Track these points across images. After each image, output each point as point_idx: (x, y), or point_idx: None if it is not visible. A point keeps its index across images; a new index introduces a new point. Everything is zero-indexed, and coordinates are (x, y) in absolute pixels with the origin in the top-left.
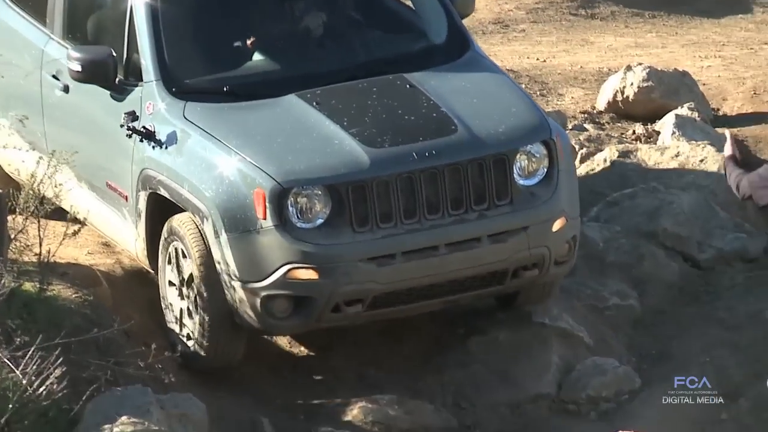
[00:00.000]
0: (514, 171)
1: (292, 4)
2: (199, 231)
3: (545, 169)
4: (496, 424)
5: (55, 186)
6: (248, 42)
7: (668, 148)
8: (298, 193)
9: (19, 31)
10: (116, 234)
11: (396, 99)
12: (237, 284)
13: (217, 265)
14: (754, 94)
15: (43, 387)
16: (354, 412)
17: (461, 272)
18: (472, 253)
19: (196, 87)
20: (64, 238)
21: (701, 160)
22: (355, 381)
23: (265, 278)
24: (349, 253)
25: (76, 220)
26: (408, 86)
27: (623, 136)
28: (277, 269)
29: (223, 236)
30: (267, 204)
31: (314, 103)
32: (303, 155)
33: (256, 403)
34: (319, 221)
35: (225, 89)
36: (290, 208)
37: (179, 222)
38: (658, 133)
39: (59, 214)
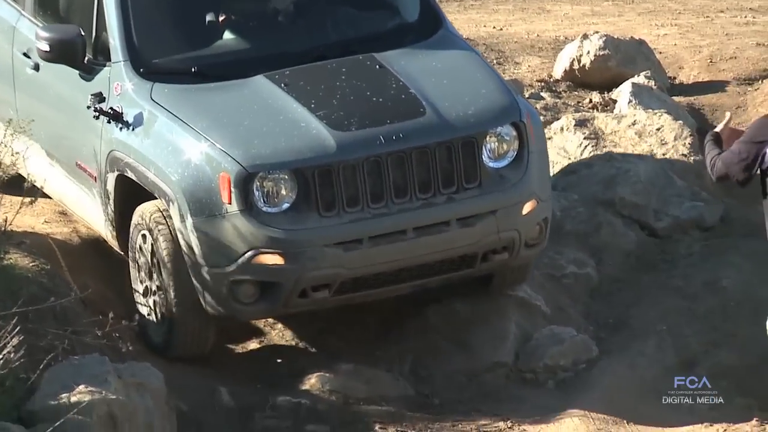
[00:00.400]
0: (484, 153)
1: None
2: (165, 218)
3: (515, 152)
4: (454, 393)
5: (12, 155)
6: (219, 19)
7: (625, 116)
8: (264, 178)
9: None
10: (87, 214)
11: (365, 80)
12: (203, 269)
13: (183, 250)
14: (710, 62)
15: (0, 356)
16: (312, 381)
17: (430, 256)
18: (440, 237)
19: (163, 67)
20: (20, 207)
21: (658, 129)
22: (315, 350)
23: (231, 263)
24: (315, 238)
25: (32, 190)
26: (378, 67)
27: (580, 104)
28: (243, 254)
29: (189, 220)
30: (232, 188)
31: (282, 85)
32: (269, 139)
33: (215, 373)
34: (285, 206)
35: (193, 70)
36: (256, 193)
37: (147, 210)
38: (615, 101)
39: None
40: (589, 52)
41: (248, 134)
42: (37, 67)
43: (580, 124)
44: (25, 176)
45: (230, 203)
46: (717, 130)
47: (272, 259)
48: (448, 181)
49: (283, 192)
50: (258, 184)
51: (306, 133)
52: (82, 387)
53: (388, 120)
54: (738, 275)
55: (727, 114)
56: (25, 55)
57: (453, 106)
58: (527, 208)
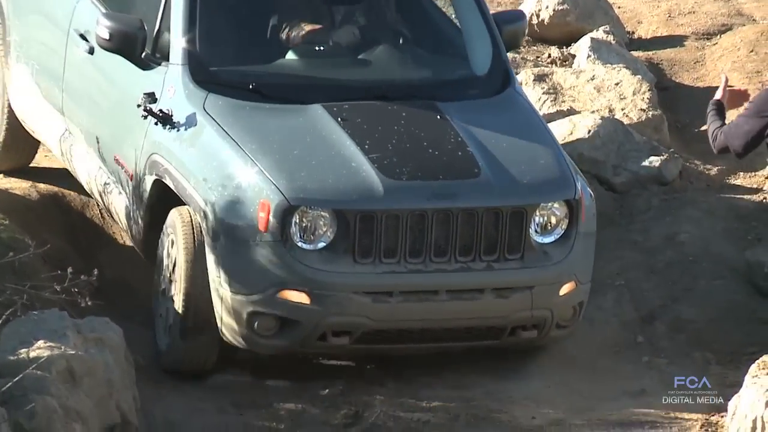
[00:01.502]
0: (531, 226)
1: (338, 8)
2: (193, 229)
3: (563, 230)
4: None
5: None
6: (286, 34)
7: (583, 71)
8: (304, 212)
9: None
10: (115, 208)
11: (424, 129)
12: (225, 293)
13: (209, 269)
14: (669, 17)
15: None
16: None
17: (458, 322)
18: (472, 304)
19: (221, 78)
20: None
21: (617, 84)
22: None
23: (255, 293)
24: (345, 282)
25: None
26: (438, 117)
27: (539, 59)
28: (269, 287)
29: (221, 241)
30: (271, 218)
31: (339, 119)
32: (316, 173)
33: None
34: (321, 244)
35: (251, 87)
36: (294, 226)
37: (177, 214)
38: (574, 56)
39: None
40: (547, 7)
41: (296, 165)
42: (92, 51)
43: (539, 79)
44: (57, 155)
45: (266, 232)
46: (717, 97)
47: (297, 296)
48: (490, 249)
49: (322, 230)
50: (297, 217)
51: (355, 174)
52: (41, 342)
53: (441, 176)
54: (696, 230)
55: (723, 77)
56: (81, 36)
57: (508, 173)
58: (565, 289)
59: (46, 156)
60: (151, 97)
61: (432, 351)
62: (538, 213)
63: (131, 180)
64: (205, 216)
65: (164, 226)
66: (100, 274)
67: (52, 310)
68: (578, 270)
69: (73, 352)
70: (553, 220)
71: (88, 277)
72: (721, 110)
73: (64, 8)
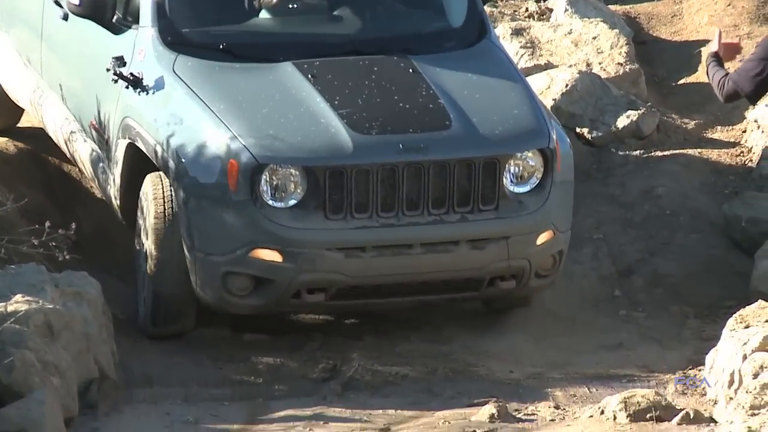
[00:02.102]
0: (505, 176)
1: None
2: (164, 196)
3: (538, 179)
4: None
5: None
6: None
7: (561, 25)
8: (273, 170)
9: None
10: (97, 174)
11: (395, 83)
12: (199, 254)
13: (182, 231)
14: None
15: None
16: None
17: (434, 275)
18: (447, 256)
19: (191, 39)
20: None
21: (594, 38)
22: None
23: (227, 253)
24: (317, 239)
25: None
26: (411, 71)
27: (516, 13)
28: (241, 246)
29: (192, 202)
30: (240, 177)
31: (309, 76)
32: (285, 131)
33: None
34: (292, 202)
35: (221, 46)
36: (263, 185)
37: (149, 181)
38: (551, 10)
39: None
40: None
41: (264, 123)
42: (66, 17)
43: (517, 33)
44: (40, 124)
45: (235, 191)
46: (713, 49)
47: (270, 255)
48: (464, 200)
49: (291, 187)
50: (267, 176)
51: (324, 130)
52: (18, 296)
53: (411, 129)
54: (673, 184)
55: (716, 30)
56: (56, 2)
57: (480, 123)
58: (543, 238)
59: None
60: (120, 61)
61: (411, 305)
62: (512, 163)
63: (107, 145)
64: (176, 178)
65: (140, 193)
66: (78, 229)
67: (29, 264)
68: (556, 219)
69: (51, 306)
70: (528, 169)
71: (66, 231)
72: (720, 61)
73: None
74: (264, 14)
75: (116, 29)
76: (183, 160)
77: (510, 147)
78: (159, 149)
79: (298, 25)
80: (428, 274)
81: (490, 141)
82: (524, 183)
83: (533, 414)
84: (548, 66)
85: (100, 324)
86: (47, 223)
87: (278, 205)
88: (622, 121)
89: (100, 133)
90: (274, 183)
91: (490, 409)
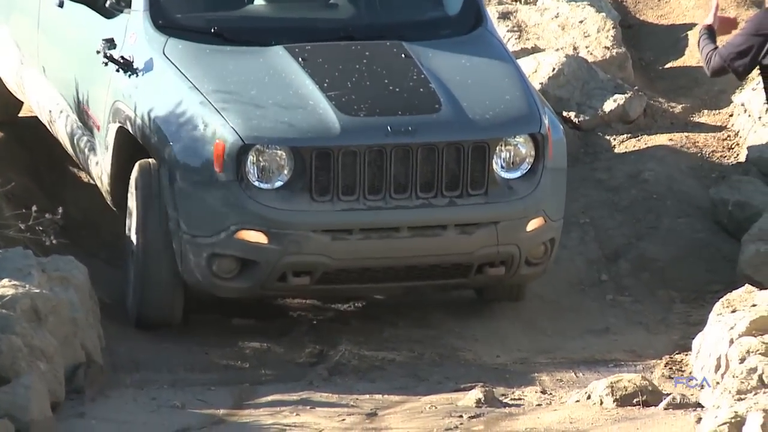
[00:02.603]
0: (495, 161)
1: None
2: (151, 179)
3: (529, 164)
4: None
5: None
6: None
7: (548, 9)
8: (260, 151)
9: None
10: (90, 165)
11: (386, 67)
12: (184, 236)
13: (168, 213)
14: None
15: None
16: None
17: (422, 259)
18: (435, 240)
19: (183, 23)
20: None
21: (581, 21)
22: None
23: (213, 235)
24: (303, 221)
25: None
26: (403, 56)
27: None
28: (226, 228)
29: (177, 184)
30: (225, 157)
31: (299, 59)
32: (272, 112)
33: None
34: (278, 183)
35: (213, 30)
36: (249, 166)
37: (137, 167)
38: None
39: None
40: None
41: (252, 104)
42: (61, 4)
43: (503, 17)
44: (36, 113)
45: (221, 172)
46: (708, 22)
47: (255, 236)
48: (453, 184)
49: (278, 168)
50: (253, 157)
51: (312, 112)
52: (5, 281)
53: (399, 111)
54: (660, 168)
55: (714, 1)
56: None
57: (470, 108)
58: (533, 224)
59: None
60: (110, 43)
61: (399, 291)
62: (503, 148)
63: (99, 131)
64: (163, 160)
65: (131, 179)
66: (65, 213)
67: (16, 248)
68: (547, 206)
69: (38, 291)
70: (519, 155)
71: (53, 215)
72: (712, 34)
73: None
74: (258, 1)
75: (109, 14)
76: (170, 142)
77: (499, 131)
78: (147, 132)
79: (291, 11)
80: (416, 259)
81: (480, 125)
82: (515, 169)
83: (520, 399)
84: (535, 50)
85: (86, 309)
86: (34, 208)
87: (264, 186)
88: (609, 105)
89: (92, 118)
90: (261, 164)
91: (476, 393)
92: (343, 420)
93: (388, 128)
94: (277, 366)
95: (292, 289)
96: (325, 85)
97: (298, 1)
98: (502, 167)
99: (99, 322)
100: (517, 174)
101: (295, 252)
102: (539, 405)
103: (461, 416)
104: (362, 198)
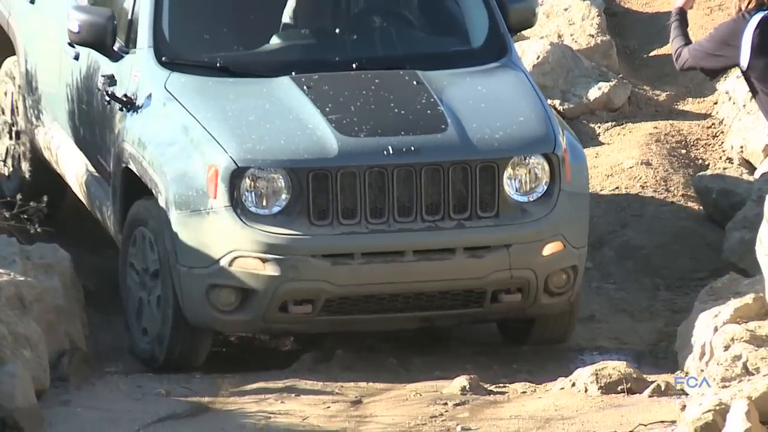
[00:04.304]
0: (508, 183)
1: None
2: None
3: (545, 187)
4: None
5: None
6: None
7: None
8: (255, 176)
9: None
10: (104, 215)
11: (394, 92)
12: (182, 270)
13: (167, 248)
14: None
15: None
16: None
17: (429, 285)
18: (443, 264)
19: (188, 58)
20: None
21: (565, 9)
22: None
23: (210, 265)
24: (301, 245)
25: None
26: (415, 83)
27: None
28: (223, 256)
29: (173, 213)
30: (219, 182)
31: (305, 87)
32: (269, 135)
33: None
34: (276, 209)
35: (218, 64)
36: (245, 190)
37: (144, 204)
38: None
39: None
40: None
41: (248, 129)
42: (77, 57)
43: None
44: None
45: (215, 198)
46: (679, 4)
47: (253, 264)
48: (461, 207)
49: (275, 193)
50: (248, 181)
51: (310, 134)
52: None
53: (402, 132)
54: (645, 156)
55: None
56: (70, 44)
57: (479, 128)
58: (549, 248)
59: None
60: (110, 79)
61: (411, 324)
62: (517, 171)
63: (110, 178)
64: (160, 192)
65: (128, 218)
66: (50, 201)
67: (0, 236)
68: (565, 231)
69: (22, 278)
70: (534, 177)
71: (37, 203)
72: (683, 20)
73: (59, 24)
74: (275, 39)
75: (116, 57)
76: (166, 172)
77: (508, 150)
78: (146, 164)
79: (301, 45)
80: (423, 284)
81: (487, 144)
82: (530, 192)
83: (505, 386)
84: (519, 38)
85: (71, 296)
86: (18, 196)
87: (261, 212)
88: (594, 93)
89: (104, 166)
90: (257, 189)
91: (461, 381)
92: (328, 408)
93: (389, 147)
94: (262, 354)
95: (296, 321)
96: (327, 109)
97: (308, 35)
98: (516, 190)
99: (83, 309)
100: (533, 197)
101: (293, 278)
102: (524, 392)
103: (446, 404)
104: (364, 221)
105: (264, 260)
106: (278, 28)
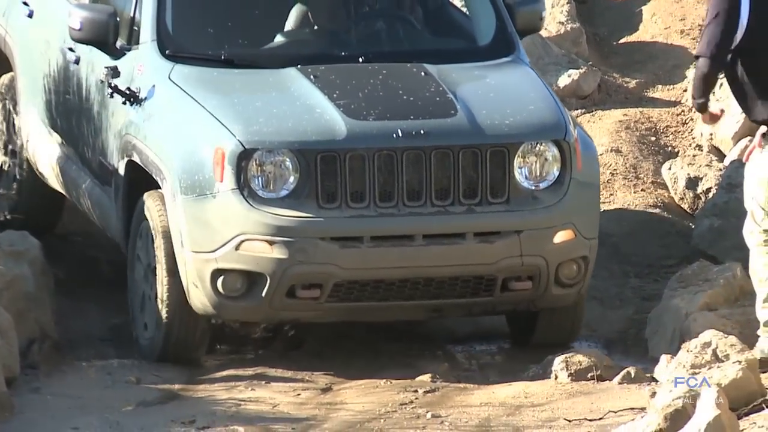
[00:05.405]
0: (518, 171)
1: None
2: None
3: (556, 174)
4: None
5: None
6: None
7: None
8: (263, 158)
9: (50, 6)
10: (105, 218)
11: (402, 81)
12: (188, 255)
13: (172, 235)
14: None
15: None
16: None
17: (439, 270)
18: (452, 249)
19: (192, 51)
20: None
21: None
22: None
23: (217, 249)
24: (309, 228)
25: None
26: (423, 74)
27: None
28: (230, 239)
29: (179, 198)
30: (226, 164)
31: (311, 76)
32: (276, 119)
33: (95, 243)
34: (284, 192)
35: (222, 57)
36: (252, 173)
37: (152, 197)
38: None
39: None
40: None
41: (255, 113)
42: (78, 61)
43: None
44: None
45: (222, 181)
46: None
47: (260, 247)
48: (471, 192)
49: (283, 176)
50: (255, 163)
51: (318, 118)
52: None
53: (412, 116)
54: (614, 143)
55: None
56: (70, 49)
57: (490, 114)
58: (561, 236)
59: None
60: (114, 71)
61: (421, 314)
62: (527, 159)
63: (112, 176)
64: (164, 178)
65: (136, 212)
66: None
67: None
68: (576, 219)
69: None
70: (544, 164)
71: (7, 191)
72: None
73: (59, 30)
74: (279, 38)
75: (119, 54)
76: (171, 158)
77: (519, 135)
78: (150, 153)
79: (307, 39)
80: (433, 270)
81: (497, 129)
82: (541, 180)
83: (475, 373)
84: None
85: (41, 284)
86: None
87: (269, 195)
88: (563, 80)
89: (106, 165)
90: (264, 171)
91: (432, 369)
92: (298, 395)
93: (399, 131)
94: (232, 341)
95: (303, 307)
96: (335, 95)
97: (314, 32)
98: (526, 178)
99: (53, 296)
100: (544, 185)
101: (302, 261)
102: (494, 380)
103: (416, 391)
104: (373, 205)
105: (271, 243)
106: (282, 24)
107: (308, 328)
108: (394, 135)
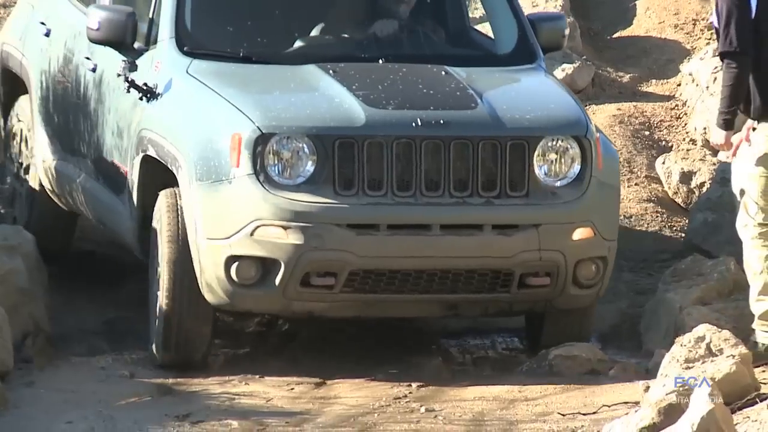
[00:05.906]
0: (539, 167)
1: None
2: (177, 205)
3: (576, 172)
4: None
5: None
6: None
7: None
8: (280, 143)
9: (66, 17)
10: (116, 223)
11: (422, 77)
12: (202, 242)
13: (186, 224)
14: None
15: None
16: None
17: (456, 261)
18: (470, 240)
19: (210, 48)
20: None
21: None
22: None
23: (231, 235)
24: (325, 214)
25: None
26: (444, 72)
27: None
28: (246, 225)
29: (194, 185)
30: (242, 149)
31: (331, 71)
32: (294, 106)
33: (88, 238)
34: (300, 179)
35: (241, 54)
36: (268, 159)
37: (167, 194)
38: None
39: None
40: None
41: (273, 101)
42: (94, 69)
43: None
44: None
45: (238, 167)
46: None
47: (275, 233)
48: (490, 184)
49: (301, 162)
50: (272, 149)
51: (337, 106)
52: None
53: (432, 106)
54: (608, 137)
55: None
56: (87, 58)
57: (510, 109)
58: (580, 233)
59: None
60: (131, 65)
61: (437, 310)
62: (547, 154)
63: (126, 177)
64: (179, 166)
65: (154, 215)
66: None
67: None
68: (596, 218)
69: None
70: (565, 160)
71: (0, 185)
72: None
73: (77, 40)
74: (298, 43)
75: (137, 55)
76: (187, 144)
77: (539, 129)
78: (166, 144)
79: (327, 40)
80: (449, 260)
81: (518, 122)
82: (562, 177)
83: (469, 368)
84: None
85: (34, 278)
86: None
87: (285, 181)
88: (557, 75)
89: (119, 167)
90: (281, 157)
91: (426, 363)
92: (292, 389)
93: (418, 120)
94: (227, 336)
95: (317, 297)
96: (354, 86)
97: (334, 35)
98: (546, 174)
99: (47, 291)
100: (564, 182)
101: (317, 247)
102: (488, 374)
103: (410, 385)
104: (390, 193)
105: (287, 228)
106: (300, 24)
107: (302, 322)
108: (414, 124)
